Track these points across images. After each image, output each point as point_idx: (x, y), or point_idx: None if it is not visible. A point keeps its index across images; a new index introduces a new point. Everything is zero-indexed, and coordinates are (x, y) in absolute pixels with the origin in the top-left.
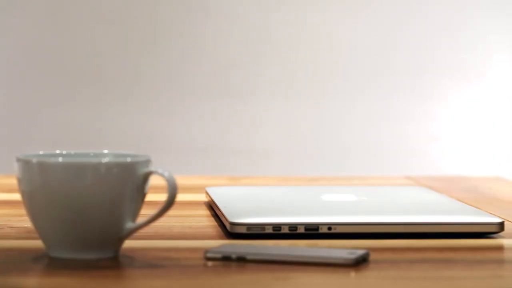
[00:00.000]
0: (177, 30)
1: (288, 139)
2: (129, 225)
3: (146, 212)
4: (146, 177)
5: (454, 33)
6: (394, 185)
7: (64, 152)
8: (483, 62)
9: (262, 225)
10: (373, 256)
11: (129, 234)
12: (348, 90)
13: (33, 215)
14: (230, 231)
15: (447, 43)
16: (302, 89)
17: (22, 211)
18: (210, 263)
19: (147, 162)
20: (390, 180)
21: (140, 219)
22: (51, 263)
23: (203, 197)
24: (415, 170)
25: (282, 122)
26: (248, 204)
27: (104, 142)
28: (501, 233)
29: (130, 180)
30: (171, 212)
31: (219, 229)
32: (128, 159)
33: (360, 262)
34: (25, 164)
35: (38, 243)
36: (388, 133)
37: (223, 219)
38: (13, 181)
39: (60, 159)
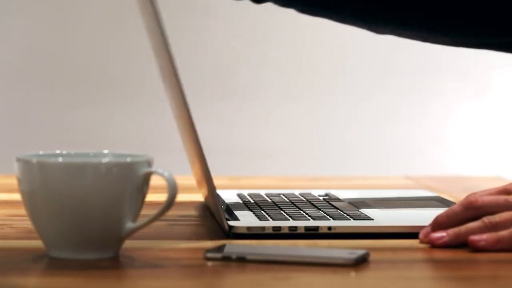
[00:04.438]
0: (178, 31)
1: (289, 140)
2: (129, 225)
3: (146, 212)
4: (146, 177)
5: None
6: (394, 186)
7: (64, 152)
8: (484, 63)
9: (262, 225)
10: (373, 256)
11: (129, 234)
12: (350, 92)
13: (33, 215)
14: (230, 231)
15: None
16: (304, 90)
17: (22, 211)
18: (210, 263)
19: (147, 162)
20: (390, 180)
21: (140, 219)
22: (51, 263)
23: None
24: (416, 170)
25: (283, 123)
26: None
27: (105, 142)
28: None
29: (130, 180)
30: (171, 212)
31: (219, 229)
32: (128, 159)
33: (360, 262)
34: (25, 164)
35: (38, 243)
36: (389, 133)
37: (223, 219)
38: (13, 181)
39: (60, 159)
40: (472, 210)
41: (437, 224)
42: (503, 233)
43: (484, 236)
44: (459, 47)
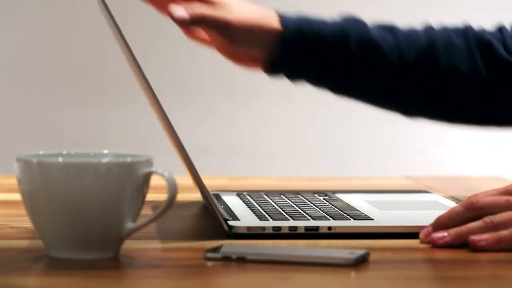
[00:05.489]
0: (178, 31)
1: (289, 140)
2: (129, 225)
3: (146, 212)
4: (146, 177)
5: None
6: (394, 186)
7: (64, 152)
8: None
9: (262, 225)
10: (373, 256)
11: (129, 234)
12: None
13: (33, 215)
14: (230, 231)
15: None
16: (304, 90)
17: (22, 211)
18: (210, 263)
19: (147, 162)
20: (390, 180)
21: (140, 219)
22: (51, 263)
23: None
24: (416, 170)
25: (283, 123)
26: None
27: (105, 142)
28: None
29: (130, 180)
30: (171, 212)
31: (219, 229)
32: (128, 159)
33: (360, 262)
34: (25, 164)
35: (38, 243)
36: (389, 133)
37: (223, 219)
38: (13, 181)
39: (60, 159)
40: (473, 211)
41: (438, 224)
42: (504, 232)
43: (485, 236)
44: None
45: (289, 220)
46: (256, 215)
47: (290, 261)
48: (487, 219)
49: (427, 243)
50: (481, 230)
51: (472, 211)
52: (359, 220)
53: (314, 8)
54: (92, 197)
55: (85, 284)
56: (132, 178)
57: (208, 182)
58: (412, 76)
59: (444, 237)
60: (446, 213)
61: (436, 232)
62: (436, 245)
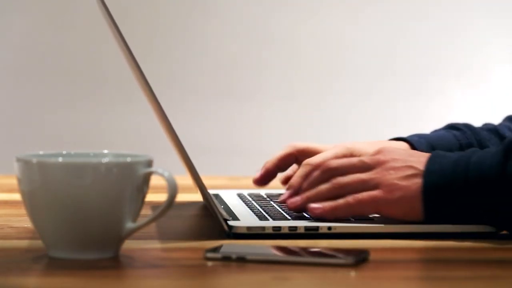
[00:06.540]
0: (179, 30)
1: (289, 140)
2: (129, 225)
3: (146, 212)
4: (146, 177)
5: (457, 36)
6: None
7: (64, 152)
8: (484, 63)
9: (262, 225)
10: (373, 256)
11: (129, 234)
12: (350, 91)
13: (33, 215)
14: (230, 231)
15: (450, 46)
16: (303, 90)
17: (22, 211)
18: (210, 263)
19: (147, 162)
20: None
21: (140, 219)
22: (51, 263)
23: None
24: None
25: (283, 123)
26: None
27: (105, 142)
28: (501, 234)
29: (130, 180)
30: (171, 212)
31: (219, 229)
32: (128, 159)
33: (360, 262)
34: (25, 164)
35: (38, 243)
36: (390, 133)
37: (223, 219)
38: (13, 181)
39: (60, 159)
40: (328, 172)
41: (298, 190)
42: (340, 201)
43: (324, 204)
44: None
45: (289, 220)
46: (256, 215)
47: (290, 261)
48: (335, 180)
49: (285, 205)
50: (329, 192)
51: (327, 173)
52: (359, 220)
53: (313, 8)
54: (92, 197)
55: (85, 284)
56: (132, 178)
57: (208, 182)
58: None
59: (296, 201)
60: (308, 181)
61: (291, 197)
62: (290, 209)
